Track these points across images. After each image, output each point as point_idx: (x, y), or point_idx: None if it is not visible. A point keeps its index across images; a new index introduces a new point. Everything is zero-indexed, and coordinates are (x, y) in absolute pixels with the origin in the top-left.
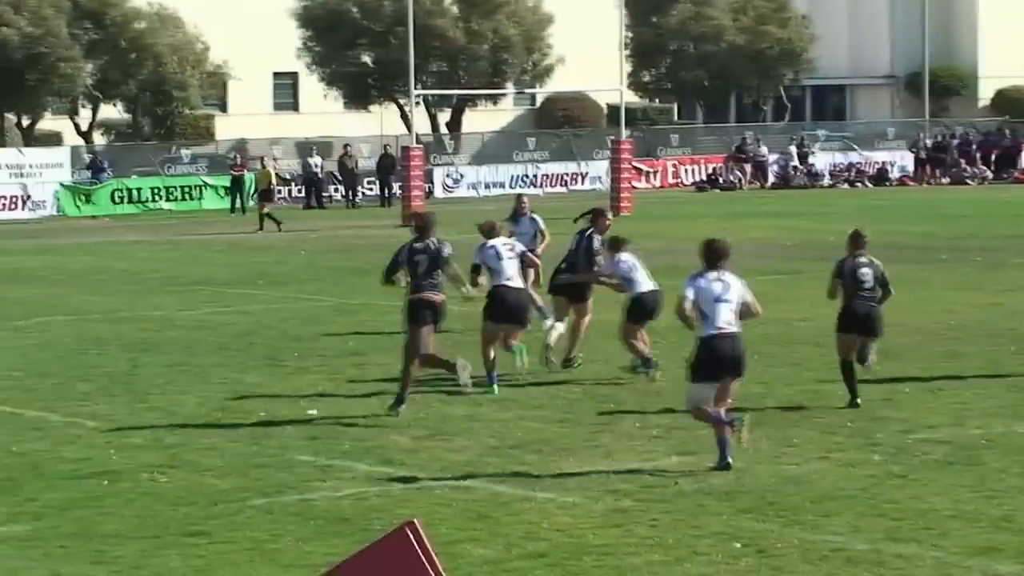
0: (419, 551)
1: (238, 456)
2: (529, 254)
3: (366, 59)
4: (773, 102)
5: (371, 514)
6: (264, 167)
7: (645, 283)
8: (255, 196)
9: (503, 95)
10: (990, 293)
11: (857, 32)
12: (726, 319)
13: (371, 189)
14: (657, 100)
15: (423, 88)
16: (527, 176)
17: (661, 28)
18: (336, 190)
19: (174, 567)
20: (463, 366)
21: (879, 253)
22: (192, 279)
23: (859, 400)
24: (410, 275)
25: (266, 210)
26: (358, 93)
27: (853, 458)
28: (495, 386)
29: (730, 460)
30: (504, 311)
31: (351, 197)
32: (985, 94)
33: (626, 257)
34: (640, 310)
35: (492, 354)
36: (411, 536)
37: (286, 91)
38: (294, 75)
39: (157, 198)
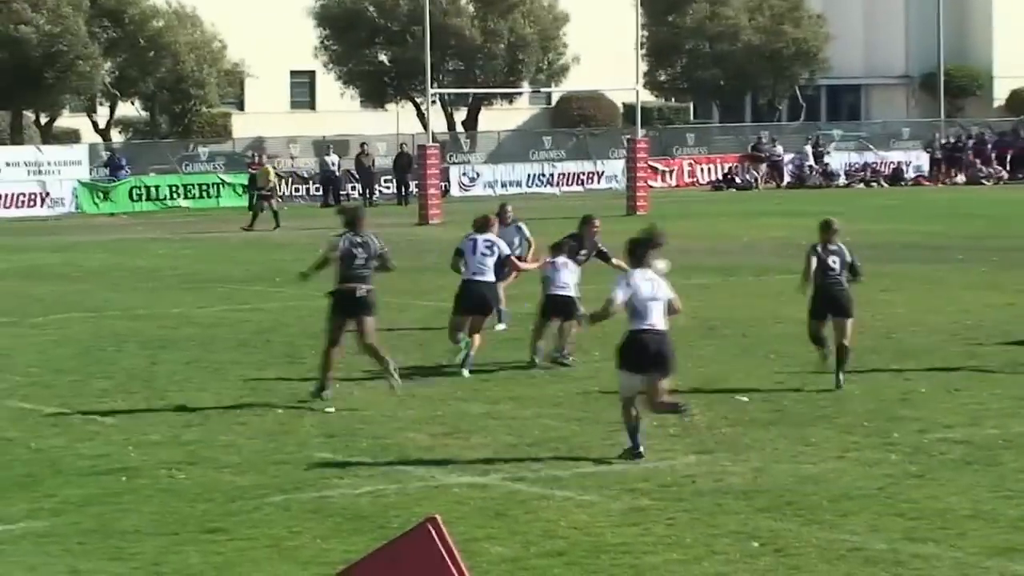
0: (441, 547)
1: (256, 453)
2: (513, 258)
3: (383, 58)
4: (788, 102)
5: (389, 512)
6: (263, 165)
7: (559, 287)
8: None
9: (519, 94)
10: (1007, 293)
11: (872, 32)
12: (656, 317)
13: (388, 187)
14: (673, 99)
15: (439, 87)
16: (543, 175)
17: (677, 27)
18: (353, 188)
19: (193, 563)
20: (395, 367)
21: (896, 253)
22: (209, 276)
23: (841, 382)
24: (344, 266)
25: (272, 206)
26: (375, 92)
27: (870, 457)
28: (465, 370)
29: (642, 450)
30: (465, 302)
31: (368, 195)
32: (1000, 94)
33: (558, 259)
34: (545, 308)
35: (459, 337)
36: (433, 532)
37: (303, 89)
38: (311, 73)
39: (175, 196)
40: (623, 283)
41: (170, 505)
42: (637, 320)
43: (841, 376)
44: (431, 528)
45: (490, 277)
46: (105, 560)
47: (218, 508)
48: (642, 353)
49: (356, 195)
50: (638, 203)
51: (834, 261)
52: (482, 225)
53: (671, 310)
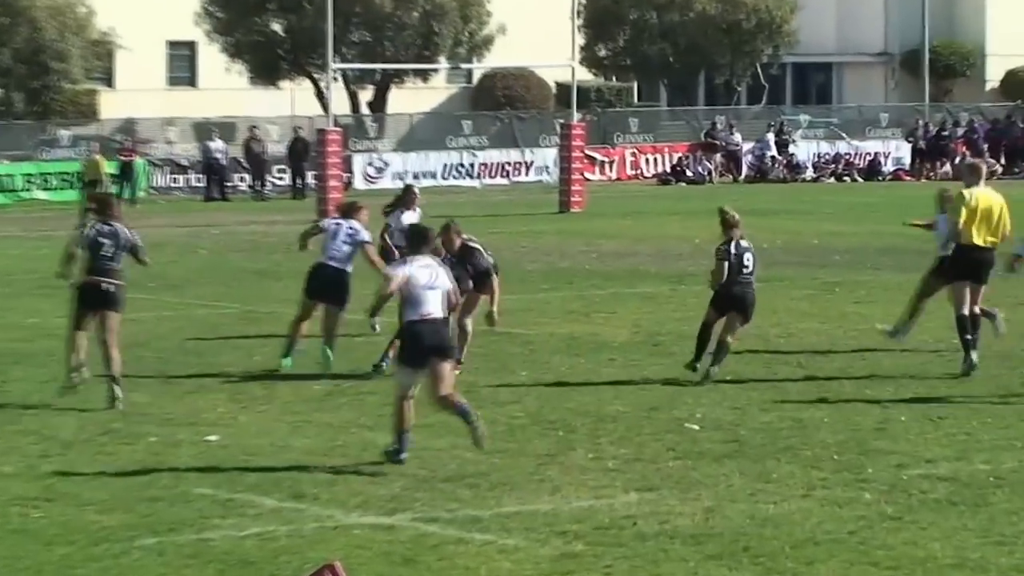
0: None
1: (125, 488)
2: (369, 248)
3: (276, 27)
4: (748, 82)
5: (279, 557)
6: (92, 156)
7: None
8: (85, 188)
9: (435, 70)
10: (999, 306)
11: (847, 2)
12: (433, 306)
13: (281, 178)
14: (614, 78)
15: (342, 61)
16: (462, 165)
17: None
18: (241, 179)
19: None
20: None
21: (871, 258)
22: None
23: (697, 365)
24: (91, 258)
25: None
26: (266, 67)
27: (840, 496)
28: (288, 359)
29: (404, 456)
30: (316, 287)
31: (258, 187)
32: (993, 75)
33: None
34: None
35: (302, 330)
36: None
37: (182, 63)
38: (192, 45)
39: (31, 186)
40: (402, 266)
41: (24, 548)
42: (413, 310)
43: (715, 369)
44: None
45: (346, 267)
46: None
47: (80, 552)
48: (422, 346)
49: (245, 186)
50: (572, 198)
51: (748, 259)
52: (348, 210)
53: (449, 302)
